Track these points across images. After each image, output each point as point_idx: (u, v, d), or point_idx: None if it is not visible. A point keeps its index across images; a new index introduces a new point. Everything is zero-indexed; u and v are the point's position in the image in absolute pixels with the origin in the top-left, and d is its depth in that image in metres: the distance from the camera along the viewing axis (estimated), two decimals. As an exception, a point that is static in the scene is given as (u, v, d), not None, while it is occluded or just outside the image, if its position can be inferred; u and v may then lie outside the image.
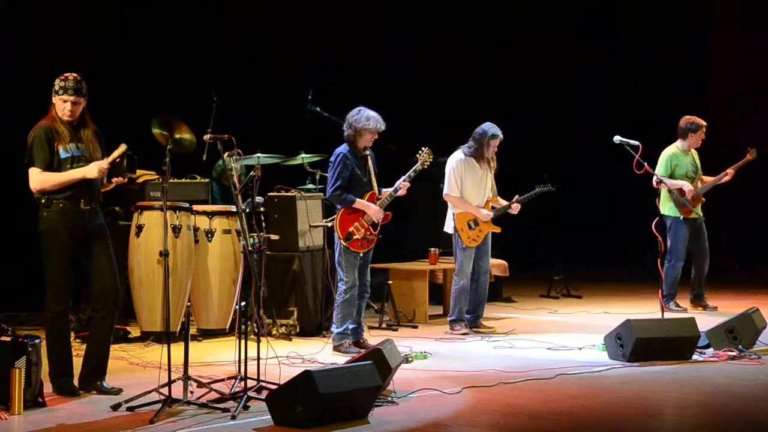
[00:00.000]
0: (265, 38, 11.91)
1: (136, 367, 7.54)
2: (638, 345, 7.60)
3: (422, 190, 9.78)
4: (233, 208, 6.80)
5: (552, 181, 9.53)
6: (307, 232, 9.16)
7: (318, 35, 12.20)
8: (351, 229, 8.08)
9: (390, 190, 8.26)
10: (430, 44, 13.34)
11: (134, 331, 8.57)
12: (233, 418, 5.90)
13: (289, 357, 7.69)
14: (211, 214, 6.82)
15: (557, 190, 9.59)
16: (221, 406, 6.09)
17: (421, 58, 13.21)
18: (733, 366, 7.55)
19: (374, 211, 8.12)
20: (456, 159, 9.19)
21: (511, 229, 9.98)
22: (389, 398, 6.37)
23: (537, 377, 7.12)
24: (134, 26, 10.92)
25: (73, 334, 7.59)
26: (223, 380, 6.72)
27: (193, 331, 7.41)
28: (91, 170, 6.39)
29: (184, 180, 8.90)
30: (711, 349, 7.93)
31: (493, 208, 9.32)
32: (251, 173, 7.01)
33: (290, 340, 8.77)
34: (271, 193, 9.24)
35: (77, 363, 6.63)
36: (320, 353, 7.97)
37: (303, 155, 9.44)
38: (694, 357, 7.79)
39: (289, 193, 9.22)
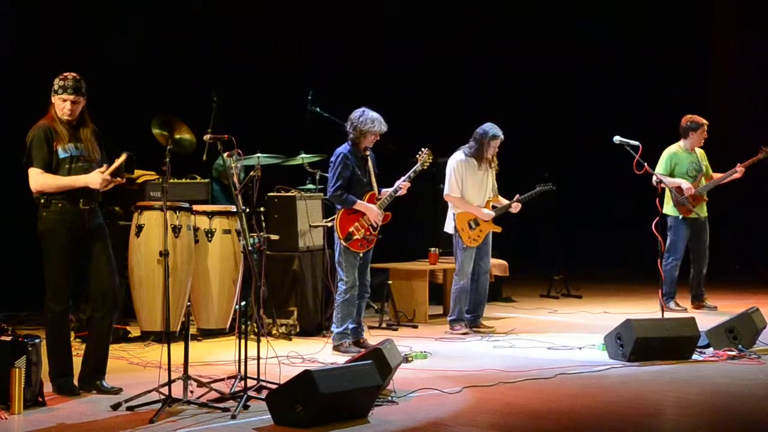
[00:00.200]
0: (265, 38, 11.90)
1: (136, 367, 7.54)
2: (638, 345, 7.60)
3: (422, 190, 9.78)
4: (233, 208, 6.79)
5: (552, 180, 9.55)
6: (307, 232, 9.16)
7: (318, 35, 12.20)
8: (351, 229, 8.08)
9: (390, 190, 8.27)
10: (430, 44, 13.34)
11: (134, 331, 8.58)
12: (233, 417, 5.90)
13: (289, 357, 7.69)
14: (211, 214, 6.80)
15: (557, 189, 9.59)
16: (221, 405, 6.08)
17: (421, 58, 13.21)
18: (733, 366, 7.55)
19: (374, 214, 8.12)
20: (456, 159, 9.19)
21: (511, 228, 9.99)
22: (389, 398, 6.37)
23: (537, 377, 7.11)
24: (134, 26, 10.92)
25: (73, 334, 7.58)
26: (223, 380, 6.72)
27: (193, 330, 7.40)
28: (95, 180, 6.37)
29: (184, 180, 8.88)
30: (711, 349, 7.93)
31: (494, 207, 9.32)
32: (251, 173, 7.00)
33: (290, 339, 8.77)
34: (271, 193, 9.25)
35: (77, 363, 6.63)
36: (320, 353, 7.98)
37: (303, 155, 9.44)
38: (694, 357, 7.79)
39: (289, 194, 9.23)
